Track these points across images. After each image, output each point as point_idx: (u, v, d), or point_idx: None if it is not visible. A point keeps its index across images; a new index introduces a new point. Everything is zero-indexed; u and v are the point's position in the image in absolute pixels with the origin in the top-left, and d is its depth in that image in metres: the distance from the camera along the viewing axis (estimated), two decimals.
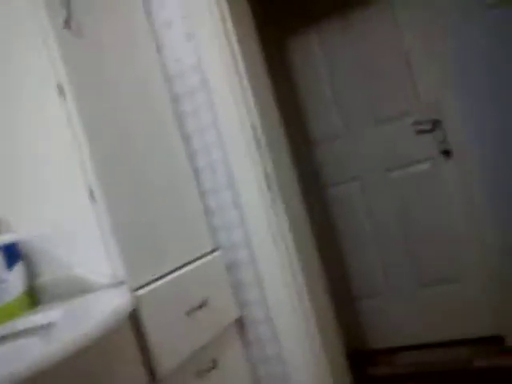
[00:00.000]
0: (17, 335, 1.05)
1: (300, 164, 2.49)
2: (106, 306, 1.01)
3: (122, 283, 1.19)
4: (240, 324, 1.54)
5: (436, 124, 2.23)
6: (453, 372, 2.09)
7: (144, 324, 1.18)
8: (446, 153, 2.26)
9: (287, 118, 2.48)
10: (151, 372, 1.19)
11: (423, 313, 2.39)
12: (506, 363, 2.03)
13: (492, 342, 2.21)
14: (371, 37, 2.32)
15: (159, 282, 1.27)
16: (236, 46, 1.48)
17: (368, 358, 2.44)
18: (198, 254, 1.45)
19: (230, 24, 1.48)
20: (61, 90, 1.17)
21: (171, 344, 1.24)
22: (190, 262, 1.41)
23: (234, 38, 1.48)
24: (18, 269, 1.20)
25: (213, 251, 1.51)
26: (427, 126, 2.25)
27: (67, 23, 1.19)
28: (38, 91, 1.19)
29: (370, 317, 2.50)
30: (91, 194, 1.18)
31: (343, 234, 2.50)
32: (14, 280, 1.18)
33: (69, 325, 0.95)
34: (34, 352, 0.82)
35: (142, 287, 1.22)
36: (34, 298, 1.26)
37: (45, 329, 1.03)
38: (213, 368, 1.38)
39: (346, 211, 2.48)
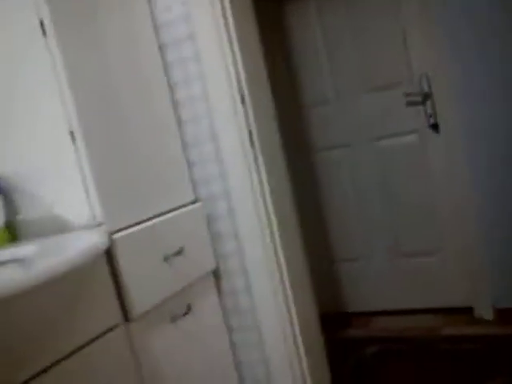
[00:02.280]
0: None
1: (289, 127, 2.51)
2: (82, 243, 1.04)
3: (100, 225, 1.22)
4: (216, 274, 1.59)
5: (426, 97, 2.24)
6: (423, 338, 2.18)
7: (119, 265, 1.22)
8: (434, 126, 2.28)
9: (278, 81, 2.48)
10: (125, 311, 1.24)
11: (399, 280, 2.46)
12: (472, 332, 2.12)
13: (462, 313, 2.29)
14: (368, 6, 2.31)
15: (138, 227, 1.30)
16: (227, 1, 1.47)
17: (343, 321, 2.52)
18: (178, 204, 1.48)
19: None
20: (42, 26, 1.17)
21: (146, 287, 1.29)
22: (169, 211, 1.44)
23: None
24: None
25: (193, 202, 1.54)
26: (417, 98, 2.26)
27: None
28: (20, 28, 1.19)
29: (348, 280, 2.57)
30: (72, 135, 1.19)
31: (327, 198, 2.54)
32: None
33: (46, 257, 0.98)
34: (11, 276, 0.85)
35: (120, 230, 1.25)
36: (13, 234, 1.29)
37: (22, 261, 1.06)
38: (187, 313, 1.44)
39: (331, 177, 2.51)
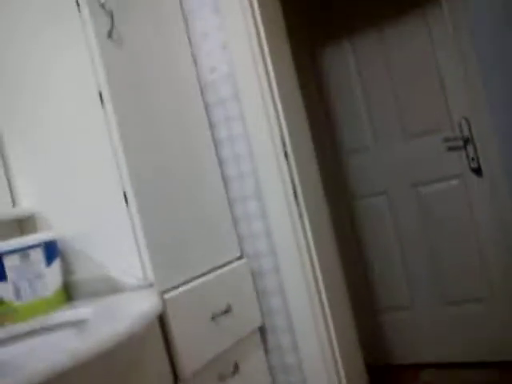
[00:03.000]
0: (53, 328, 1.11)
1: (328, 175, 2.52)
2: (136, 307, 1.06)
3: (151, 285, 1.24)
4: (262, 331, 1.57)
5: (467, 141, 2.22)
6: None
7: (170, 326, 1.23)
8: (477, 170, 2.24)
9: (317, 128, 2.51)
10: (175, 372, 1.24)
11: (448, 330, 2.37)
12: None
13: None
14: (405, 51, 2.33)
15: (186, 286, 1.32)
16: (268, 58, 1.52)
17: (389, 374, 2.43)
18: (225, 261, 1.49)
19: (263, 35, 1.52)
20: (101, 97, 1.24)
21: (195, 347, 1.29)
22: (216, 268, 1.45)
23: (266, 49, 1.52)
24: (56, 265, 1.27)
25: (238, 258, 1.55)
26: (458, 143, 2.25)
27: (110, 33, 1.26)
28: (79, 97, 1.26)
29: (393, 331, 2.49)
30: (125, 198, 1.24)
31: (369, 246, 2.51)
32: (52, 276, 1.25)
33: (102, 322, 1.00)
34: (70, 345, 0.87)
35: (169, 290, 1.27)
36: (67, 294, 1.33)
37: (79, 324, 1.09)
38: (234, 372, 1.42)
39: (373, 224, 2.48)
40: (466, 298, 2.32)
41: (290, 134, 1.52)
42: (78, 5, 1.20)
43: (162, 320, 1.23)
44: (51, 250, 1.26)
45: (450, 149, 2.26)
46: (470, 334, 2.32)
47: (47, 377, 0.77)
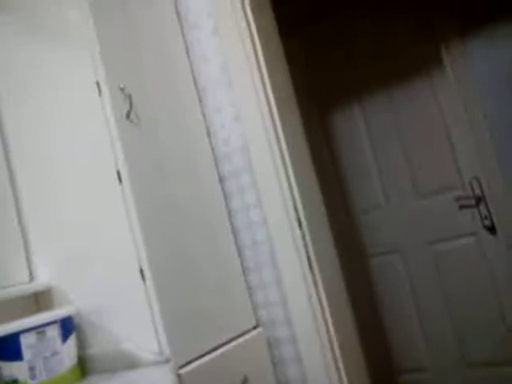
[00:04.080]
0: None
1: (342, 235, 2.52)
2: None
3: (167, 361, 1.23)
4: None
5: (479, 199, 2.23)
6: None
7: None
8: (490, 228, 2.24)
9: (329, 190, 2.54)
10: None
11: None
12: None
13: None
14: (413, 113, 2.39)
15: (202, 360, 1.30)
16: (279, 125, 1.57)
17: None
18: (241, 331, 1.48)
19: (273, 104, 1.57)
20: (118, 175, 1.28)
21: None
22: (232, 339, 1.44)
23: (277, 119, 1.57)
24: (72, 341, 1.26)
25: (254, 328, 1.54)
26: (470, 202, 2.25)
27: (128, 115, 1.32)
28: (98, 176, 1.31)
29: None
30: (141, 272, 1.25)
31: (385, 305, 2.47)
32: (67, 352, 1.25)
33: None
34: None
35: (186, 365, 1.26)
36: (83, 368, 1.32)
37: None
38: None
39: (388, 283, 2.46)
40: (487, 362, 2.25)
41: (303, 201, 1.54)
42: (100, 90, 1.27)
43: None
44: (67, 326, 1.27)
45: (463, 207, 2.27)
46: None
47: None
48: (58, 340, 1.23)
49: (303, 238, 1.50)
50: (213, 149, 1.62)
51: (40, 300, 1.42)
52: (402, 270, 2.43)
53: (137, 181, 1.29)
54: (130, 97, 1.31)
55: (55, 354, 1.22)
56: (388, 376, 2.47)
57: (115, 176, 1.28)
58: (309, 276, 1.48)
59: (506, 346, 2.21)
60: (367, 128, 2.50)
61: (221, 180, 1.60)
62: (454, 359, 2.32)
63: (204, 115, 1.65)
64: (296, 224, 1.50)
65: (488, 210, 2.21)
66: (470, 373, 2.29)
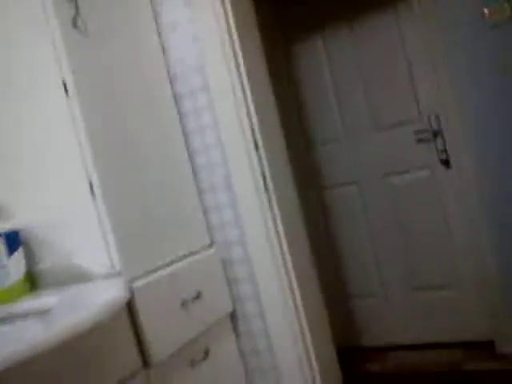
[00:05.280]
0: (16, 317, 1.10)
1: (299, 165, 2.54)
2: (102, 296, 1.06)
3: (118, 274, 1.24)
4: (233, 318, 1.59)
5: (436, 134, 2.26)
6: (441, 373, 2.13)
7: (139, 313, 1.23)
8: (446, 162, 2.29)
9: (289, 120, 2.52)
10: (144, 359, 1.24)
11: (416, 315, 2.43)
12: (493, 367, 2.07)
13: (483, 347, 2.25)
14: (376, 45, 2.36)
15: (155, 274, 1.32)
16: (238, 49, 1.52)
17: (360, 356, 2.49)
18: (194, 249, 1.50)
19: (233, 26, 1.52)
20: (65, 87, 1.22)
21: (165, 333, 1.30)
22: (185, 256, 1.46)
23: (237, 42, 1.52)
24: (18, 255, 1.25)
25: (209, 247, 1.56)
26: (428, 135, 2.29)
27: (74, 22, 1.24)
28: (42, 85, 1.24)
29: (364, 316, 2.55)
30: (91, 187, 1.23)
31: (340, 235, 2.55)
32: (14, 266, 1.24)
33: (66, 311, 1.00)
34: (33, 334, 0.86)
35: (138, 278, 1.27)
36: (32, 283, 1.32)
37: (43, 313, 1.08)
38: (205, 358, 1.44)
39: (344, 214, 2.52)
40: (433, 285, 2.38)
41: (261, 125, 1.53)
42: None
43: (130, 308, 1.23)
44: (13, 241, 1.25)
45: (420, 141, 2.31)
46: (436, 318, 2.39)
47: (8, 366, 0.76)
48: (4, 254, 1.22)
49: (259, 159, 1.50)
50: (168, 67, 1.57)
51: None
52: (359, 202, 2.49)
53: (84, 92, 1.24)
54: (76, 2, 1.23)
55: (1, 267, 1.21)
56: (339, 300, 2.59)
57: (61, 87, 1.22)
58: (264, 197, 1.49)
59: (447, 272, 2.34)
60: (329, 62, 2.47)
61: (176, 100, 1.56)
62: (403, 284, 2.45)
63: (159, 33, 1.58)
64: (252, 146, 1.49)
65: (444, 144, 2.26)
66: (417, 296, 2.43)
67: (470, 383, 2.01)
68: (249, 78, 1.51)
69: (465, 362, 2.17)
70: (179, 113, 1.57)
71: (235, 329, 1.59)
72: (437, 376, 2.11)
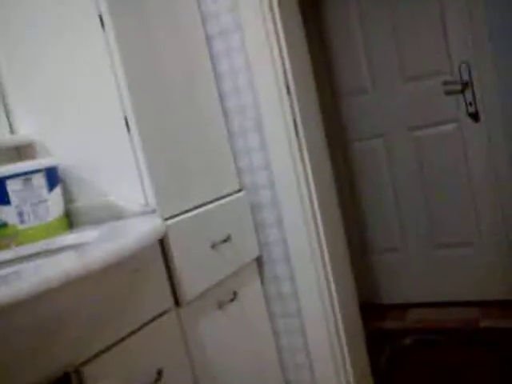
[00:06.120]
0: (56, 251, 1.13)
1: (327, 117, 2.51)
2: (139, 229, 1.07)
3: (153, 212, 1.26)
4: (260, 262, 1.62)
5: (466, 86, 2.21)
6: (459, 330, 2.17)
7: (172, 251, 1.26)
8: (474, 116, 2.25)
9: (316, 70, 2.48)
10: (175, 297, 1.28)
11: (436, 272, 2.45)
12: (509, 325, 2.10)
13: (501, 306, 2.27)
14: None
15: (187, 214, 1.34)
16: None
17: (379, 312, 2.53)
18: (224, 193, 1.51)
19: None
20: (102, 21, 1.21)
21: (196, 273, 1.32)
22: (216, 199, 1.47)
23: None
24: (58, 191, 1.27)
25: (238, 191, 1.57)
26: (457, 87, 2.24)
27: None
28: (79, 19, 1.23)
29: (384, 272, 2.58)
30: (126, 123, 1.23)
31: (364, 188, 2.55)
32: (54, 201, 1.26)
33: (104, 243, 1.02)
34: (68, 263, 0.84)
35: (171, 217, 1.29)
36: (69, 222, 1.34)
37: (81, 246, 1.10)
38: (233, 300, 1.47)
39: (369, 167, 2.51)
40: (455, 242, 2.39)
41: (293, 69, 1.50)
42: None
43: (163, 246, 1.25)
44: (52, 176, 1.27)
45: (448, 93, 2.26)
46: (456, 275, 2.41)
47: (41, 292, 0.76)
48: (45, 188, 1.24)
49: (291, 104, 1.48)
50: (200, 7, 1.53)
51: (22, 154, 1.40)
52: (383, 155, 2.48)
53: (121, 25, 1.22)
54: None
55: (42, 201, 1.23)
56: (361, 255, 2.61)
57: (98, 22, 1.20)
58: (295, 142, 1.48)
59: (470, 230, 2.34)
60: (359, 12, 2.40)
61: (208, 40, 1.54)
62: (424, 241, 2.45)
63: None
64: (284, 90, 1.47)
65: (474, 97, 2.21)
66: (437, 253, 2.44)
67: (487, 340, 2.04)
68: (282, 21, 1.48)
69: (482, 320, 2.20)
70: (210, 54, 1.54)
71: (261, 273, 1.62)
72: (454, 333, 2.15)
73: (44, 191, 1.23)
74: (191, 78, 1.46)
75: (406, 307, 2.51)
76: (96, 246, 0.94)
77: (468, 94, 2.22)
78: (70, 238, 1.15)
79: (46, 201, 1.23)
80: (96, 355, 1.01)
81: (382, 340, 2.22)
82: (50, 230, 1.23)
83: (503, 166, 2.16)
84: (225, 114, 1.57)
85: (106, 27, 1.20)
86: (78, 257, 0.90)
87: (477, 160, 2.28)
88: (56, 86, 1.31)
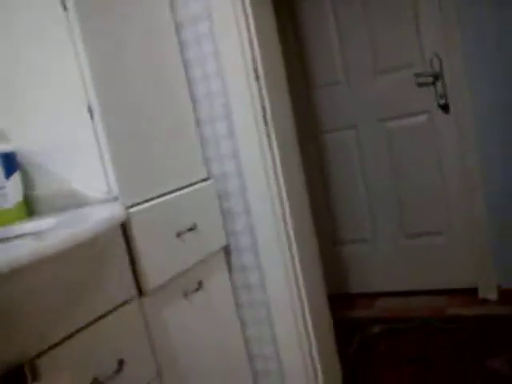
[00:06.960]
0: (13, 238, 1.10)
1: (300, 108, 2.50)
2: (99, 216, 1.05)
3: (115, 199, 1.23)
4: (227, 251, 1.61)
5: (437, 77, 2.23)
6: (426, 318, 2.21)
7: (134, 239, 1.23)
8: (444, 107, 2.27)
9: (288, 60, 2.46)
10: (139, 286, 1.25)
11: (405, 262, 2.49)
12: (475, 312, 2.15)
13: (467, 294, 2.32)
14: None
15: (152, 202, 1.31)
16: None
17: (347, 302, 2.56)
18: (191, 181, 1.49)
19: None
20: (64, 5, 1.16)
21: (160, 261, 1.30)
22: (182, 188, 1.45)
23: None
24: (16, 178, 1.23)
25: (205, 179, 1.55)
26: (428, 79, 2.26)
27: None
28: (42, 5, 1.18)
29: (353, 262, 2.60)
30: (90, 110, 1.20)
31: (335, 179, 2.56)
32: (12, 189, 1.22)
33: (63, 229, 0.99)
34: (21, 248, 0.82)
35: (135, 205, 1.27)
36: (29, 210, 1.30)
37: (40, 233, 1.07)
38: (198, 289, 1.46)
39: (340, 157, 2.52)
40: (425, 231, 2.42)
41: (262, 56, 1.48)
42: None
43: (126, 234, 1.23)
44: (9, 163, 1.22)
45: (420, 85, 2.27)
46: (425, 264, 2.45)
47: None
48: (1, 175, 1.20)
49: (260, 91, 1.46)
50: None
51: None
52: (355, 146, 2.49)
53: (84, 9, 1.18)
54: None
55: None
56: (330, 245, 2.63)
57: (60, 4, 1.16)
58: (263, 130, 1.47)
59: (439, 220, 2.37)
60: (332, 2, 2.38)
61: (177, 27, 1.50)
62: (394, 231, 2.48)
63: None
64: (253, 75, 1.45)
65: (444, 89, 2.23)
66: (406, 243, 2.47)
67: (454, 327, 2.09)
68: (252, 7, 1.45)
69: (449, 308, 2.25)
70: (179, 41, 1.51)
71: (228, 262, 1.61)
72: (422, 321, 2.18)
73: (1, 178, 1.19)
74: (159, 66, 1.43)
75: (374, 296, 2.55)
76: (52, 232, 0.91)
77: (439, 86, 2.24)
78: (27, 225, 1.12)
79: (2, 188, 1.19)
80: (52, 347, 0.99)
81: (351, 329, 2.25)
82: (7, 218, 1.19)
83: (473, 157, 2.19)
84: (193, 101, 1.54)
85: (69, 10, 1.16)
86: (31, 243, 0.87)
87: (447, 150, 2.30)
88: (17, 71, 1.26)
